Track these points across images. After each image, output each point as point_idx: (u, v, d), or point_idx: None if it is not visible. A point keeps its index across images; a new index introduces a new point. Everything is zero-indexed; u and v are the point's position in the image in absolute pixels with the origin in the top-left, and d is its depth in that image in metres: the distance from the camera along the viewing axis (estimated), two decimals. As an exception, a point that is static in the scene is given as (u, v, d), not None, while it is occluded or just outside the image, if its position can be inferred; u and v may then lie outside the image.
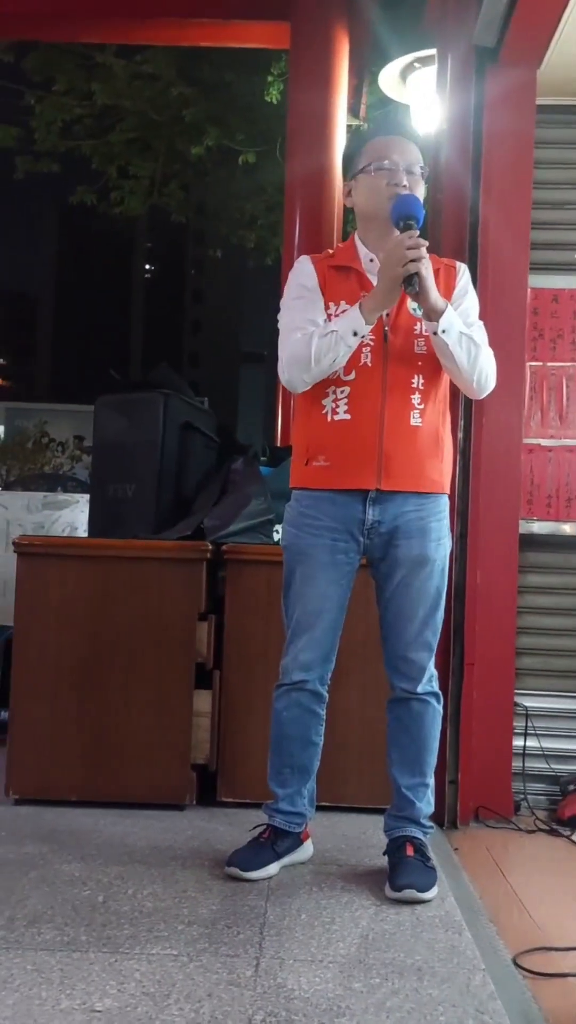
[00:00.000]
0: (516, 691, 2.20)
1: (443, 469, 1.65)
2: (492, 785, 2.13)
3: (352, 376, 1.60)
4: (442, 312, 1.55)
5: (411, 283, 1.51)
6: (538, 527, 2.30)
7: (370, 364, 1.60)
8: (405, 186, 1.60)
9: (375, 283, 1.60)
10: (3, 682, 2.22)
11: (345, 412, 1.60)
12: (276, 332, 1.70)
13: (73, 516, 3.17)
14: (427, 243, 1.53)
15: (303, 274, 1.67)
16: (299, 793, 1.68)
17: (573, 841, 2.01)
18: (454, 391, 1.74)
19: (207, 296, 44.36)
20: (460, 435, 2.11)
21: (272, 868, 1.63)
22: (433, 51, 2.69)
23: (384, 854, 1.66)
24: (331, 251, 1.74)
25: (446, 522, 1.67)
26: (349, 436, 1.60)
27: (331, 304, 1.62)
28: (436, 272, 1.65)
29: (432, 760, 1.68)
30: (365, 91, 4.28)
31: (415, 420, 1.60)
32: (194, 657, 2.04)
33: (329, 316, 1.61)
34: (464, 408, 2.13)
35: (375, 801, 1.93)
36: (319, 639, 1.65)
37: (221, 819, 1.95)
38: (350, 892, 1.58)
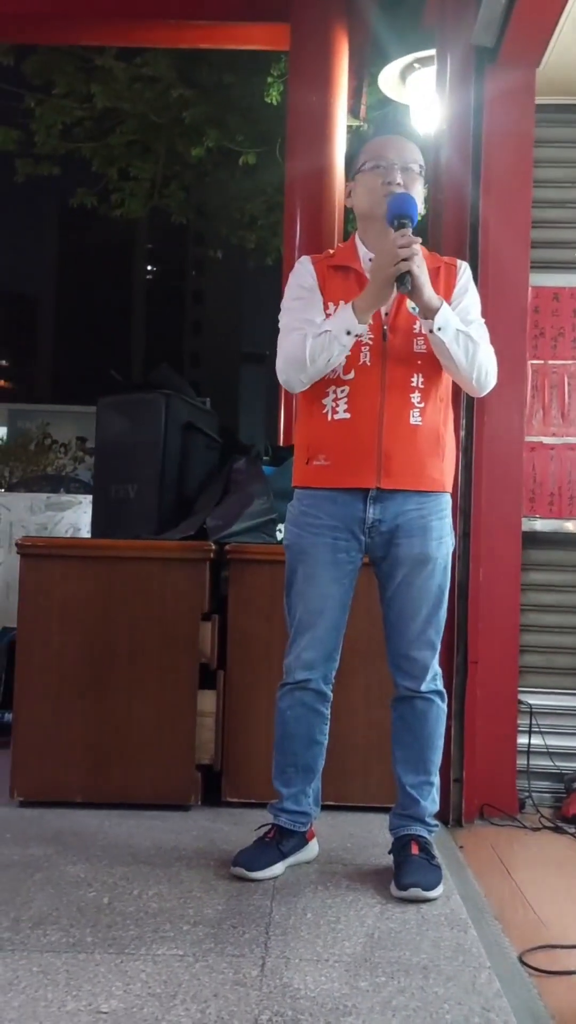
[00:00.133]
0: (520, 689, 2.20)
1: (444, 468, 1.65)
2: (497, 783, 2.13)
3: (352, 375, 1.61)
4: (437, 309, 1.55)
5: (403, 281, 1.52)
6: (541, 525, 2.30)
7: (369, 363, 1.60)
8: (400, 184, 1.60)
9: None
10: (7, 684, 2.22)
11: (345, 411, 1.61)
12: (277, 332, 1.71)
13: (76, 517, 3.18)
14: (419, 240, 1.53)
15: (302, 275, 1.67)
16: (304, 792, 1.68)
17: (578, 839, 2.01)
18: (457, 390, 1.75)
19: (208, 297, 44.39)
20: (462, 434, 2.11)
21: (277, 868, 1.63)
22: (432, 51, 2.70)
23: (389, 853, 1.66)
24: (332, 251, 1.74)
25: (448, 520, 1.67)
26: (349, 435, 1.60)
27: (330, 304, 1.63)
28: (436, 270, 1.65)
29: (437, 759, 1.68)
30: (365, 92, 4.28)
31: (415, 419, 1.60)
32: (198, 657, 2.05)
33: (328, 316, 1.62)
34: (466, 407, 2.13)
35: (380, 800, 1.93)
36: (321, 638, 1.65)
37: (226, 819, 1.95)
38: (355, 891, 1.58)
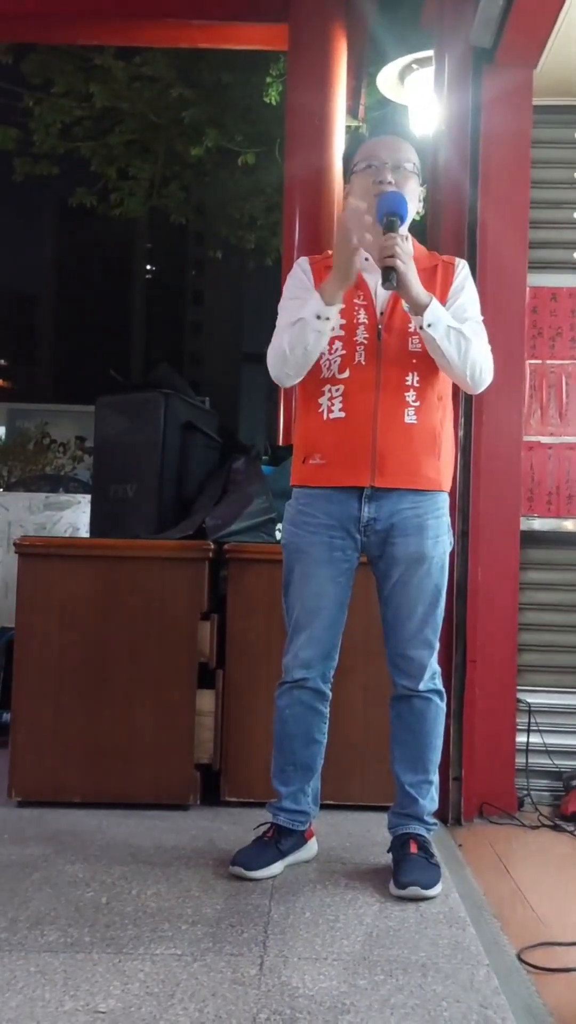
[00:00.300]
0: (518, 687, 2.21)
1: (440, 466, 1.65)
2: (495, 781, 2.13)
3: (347, 374, 1.61)
4: (426, 306, 1.55)
5: (388, 278, 1.52)
6: (539, 524, 2.30)
7: (364, 362, 1.61)
8: (391, 183, 1.60)
9: (368, 281, 1.62)
10: (5, 683, 2.22)
11: (340, 410, 1.61)
12: (275, 333, 1.71)
13: (75, 517, 3.18)
14: (399, 236, 1.53)
15: (299, 275, 1.69)
16: (303, 791, 1.68)
17: (576, 838, 2.01)
18: (458, 389, 1.75)
19: (207, 297, 44.39)
20: (460, 433, 2.12)
21: (276, 867, 1.64)
22: (431, 52, 2.70)
23: (388, 851, 1.67)
24: (330, 252, 1.74)
25: (445, 519, 1.67)
26: (344, 434, 1.61)
27: None
28: (433, 268, 1.65)
29: (435, 757, 1.69)
30: (363, 92, 4.29)
31: (410, 418, 1.60)
32: (197, 657, 2.05)
33: None
34: (464, 406, 2.14)
35: (379, 799, 1.93)
36: (319, 636, 1.65)
37: (225, 819, 1.96)
38: (354, 890, 1.58)
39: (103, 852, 1.73)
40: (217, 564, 2.12)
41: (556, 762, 2.24)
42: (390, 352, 1.61)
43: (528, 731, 2.21)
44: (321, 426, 1.63)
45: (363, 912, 1.49)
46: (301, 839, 1.70)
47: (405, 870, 1.57)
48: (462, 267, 1.69)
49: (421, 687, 1.65)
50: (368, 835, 1.86)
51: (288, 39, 3.64)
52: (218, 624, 2.08)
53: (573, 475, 2.33)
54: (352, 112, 4.09)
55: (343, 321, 1.62)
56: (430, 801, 1.67)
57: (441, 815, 1.95)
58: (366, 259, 1.64)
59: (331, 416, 1.62)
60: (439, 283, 1.64)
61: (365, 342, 1.61)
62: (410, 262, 1.54)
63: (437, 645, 1.68)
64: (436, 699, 1.67)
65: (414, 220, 1.72)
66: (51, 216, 44.28)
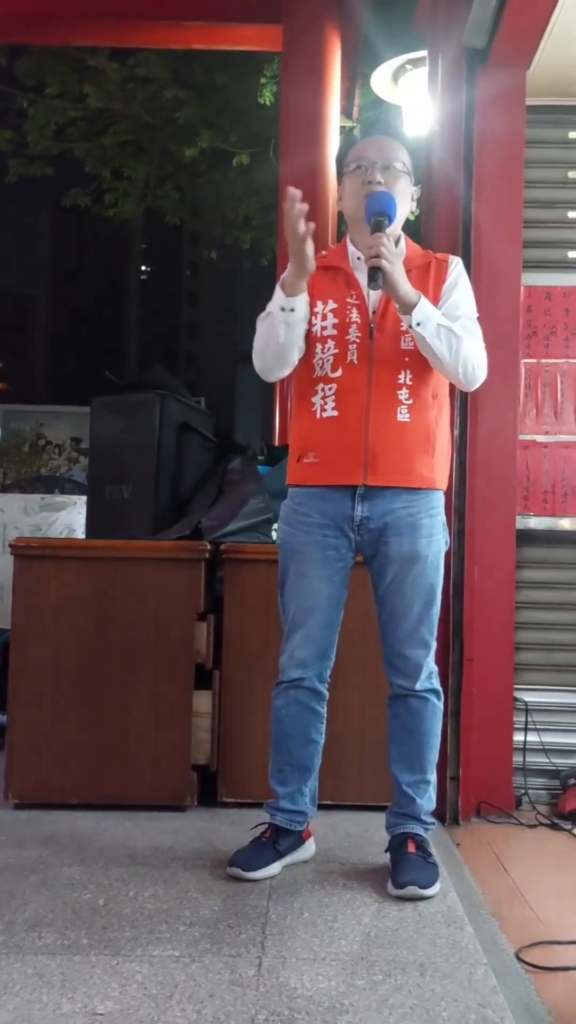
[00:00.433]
0: (515, 686, 2.21)
1: (435, 465, 1.64)
2: (493, 780, 2.13)
3: (339, 373, 1.62)
4: (414, 305, 1.55)
5: (374, 277, 1.53)
6: (535, 523, 2.31)
7: (356, 361, 1.61)
8: (380, 183, 1.61)
9: (361, 280, 1.62)
10: (1, 685, 2.22)
11: (333, 409, 1.62)
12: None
13: (70, 518, 3.17)
14: (385, 236, 1.53)
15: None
16: (300, 791, 1.68)
17: (574, 835, 2.02)
18: (453, 388, 1.75)
19: (203, 297, 44.37)
20: (456, 432, 2.12)
21: (274, 867, 1.63)
22: (424, 53, 2.70)
23: (386, 851, 1.67)
24: (325, 252, 1.75)
25: (439, 518, 1.67)
26: (336, 432, 1.61)
27: (319, 303, 1.65)
28: (427, 266, 1.66)
29: (433, 757, 1.69)
30: (358, 92, 4.29)
31: (402, 416, 1.60)
32: (193, 657, 2.05)
33: (315, 314, 1.64)
34: (460, 405, 2.14)
35: (377, 799, 1.93)
36: (314, 636, 1.65)
37: (222, 819, 1.95)
38: (352, 890, 1.58)
39: (100, 854, 1.73)
40: (213, 565, 2.12)
41: (553, 760, 2.24)
42: (382, 351, 1.61)
43: (525, 730, 2.22)
44: (314, 425, 1.64)
45: (361, 912, 1.49)
46: (299, 839, 1.70)
47: (403, 870, 1.57)
48: (455, 264, 1.69)
49: (418, 687, 1.65)
50: (366, 835, 1.86)
51: (282, 40, 3.64)
52: (215, 625, 2.08)
53: (568, 473, 2.34)
54: (346, 112, 4.09)
55: (336, 320, 1.63)
56: (428, 801, 1.67)
57: (439, 814, 1.95)
58: (359, 258, 1.64)
59: (324, 415, 1.62)
60: (432, 281, 1.65)
61: (357, 341, 1.61)
62: (397, 262, 1.54)
63: (434, 644, 1.68)
64: (433, 699, 1.67)
65: (408, 220, 1.73)
66: (46, 217, 44.22)
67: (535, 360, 2.36)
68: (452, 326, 1.59)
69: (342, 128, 3.83)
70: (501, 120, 2.21)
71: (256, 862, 1.62)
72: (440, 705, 1.69)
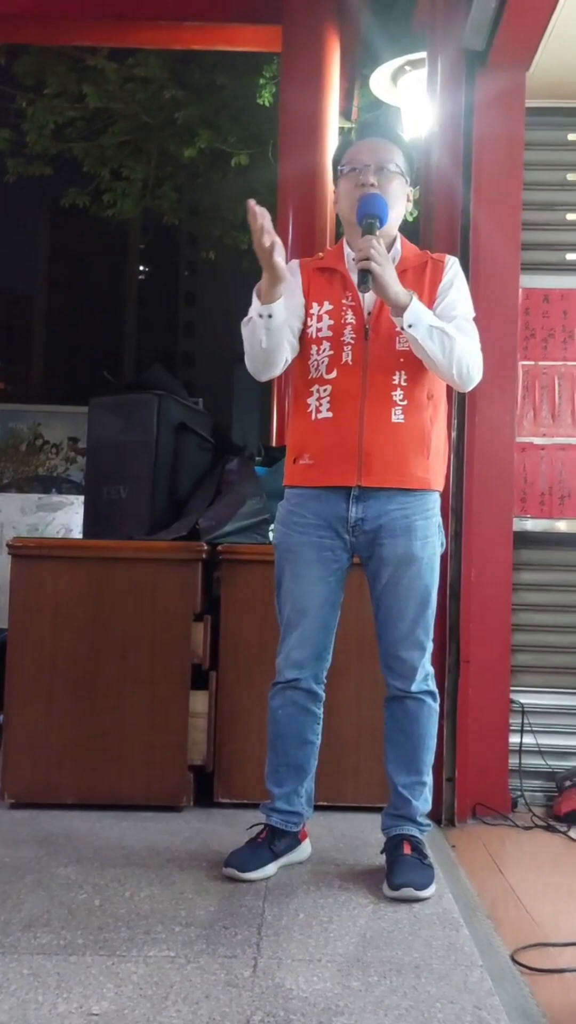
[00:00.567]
0: (512, 688, 2.21)
1: (430, 466, 1.64)
2: (489, 782, 2.14)
3: (334, 375, 1.62)
4: (405, 306, 1.55)
5: (363, 280, 1.53)
6: (532, 525, 2.31)
7: (351, 363, 1.61)
8: (373, 185, 1.61)
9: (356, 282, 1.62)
10: (-2, 685, 2.21)
11: (327, 410, 1.62)
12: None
13: (68, 518, 3.17)
14: (374, 238, 1.53)
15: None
16: (296, 792, 1.68)
17: (570, 837, 2.02)
18: (450, 389, 1.74)
19: (201, 298, 44.37)
20: (453, 434, 2.12)
21: (270, 868, 1.63)
22: (423, 54, 2.71)
23: (381, 853, 1.67)
24: (322, 254, 1.75)
25: (435, 520, 1.67)
26: (331, 434, 1.61)
27: (314, 304, 1.65)
28: (423, 266, 1.66)
29: (429, 758, 1.69)
30: (357, 94, 4.30)
31: (397, 417, 1.60)
32: (190, 658, 2.04)
33: (310, 316, 1.65)
34: (457, 407, 2.14)
35: (372, 800, 1.93)
36: (310, 636, 1.65)
37: (219, 820, 1.95)
38: (348, 891, 1.58)
39: (96, 854, 1.72)
40: (211, 565, 2.12)
41: (549, 763, 2.24)
42: (377, 352, 1.61)
43: (521, 732, 2.22)
44: (310, 427, 1.64)
45: (357, 913, 1.49)
46: (295, 840, 1.70)
47: (399, 871, 1.57)
48: (451, 264, 1.68)
49: (413, 688, 1.65)
50: (362, 836, 1.86)
51: (281, 41, 3.65)
52: (211, 625, 2.08)
53: (566, 476, 2.34)
54: (345, 114, 4.10)
55: (331, 322, 1.63)
56: (423, 802, 1.67)
57: (435, 816, 1.95)
58: (354, 260, 1.64)
59: (319, 417, 1.63)
60: (428, 281, 1.65)
61: (352, 342, 1.61)
62: (386, 263, 1.54)
63: (429, 646, 1.68)
64: (429, 700, 1.67)
65: (406, 220, 1.73)
66: (44, 217, 44.18)
67: (533, 362, 2.36)
68: (445, 327, 1.58)
69: (341, 129, 3.84)
70: (500, 122, 2.21)
71: (252, 863, 1.62)
72: (436, 707, 1.69)
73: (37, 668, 2.05)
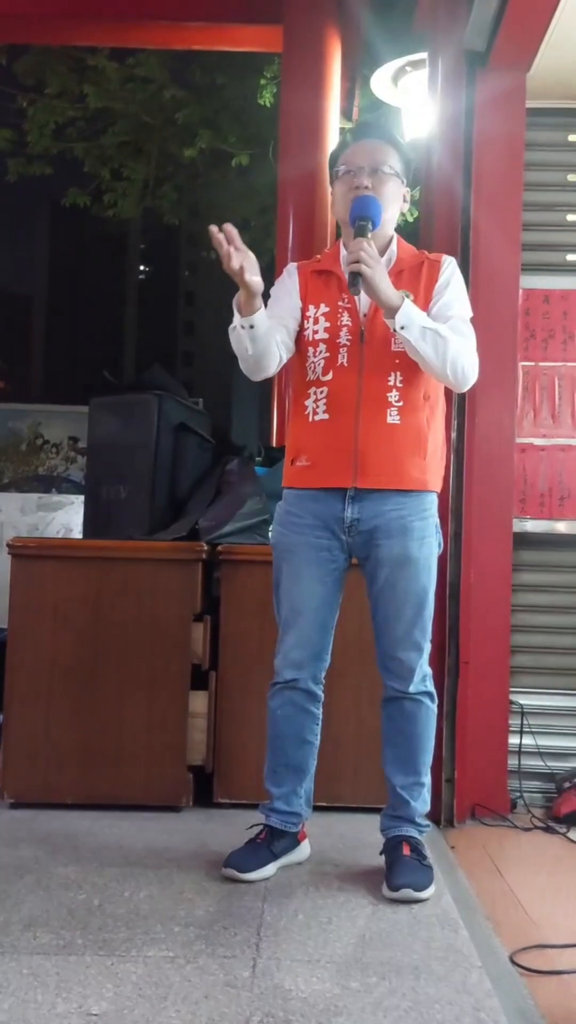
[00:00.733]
0: (511, 689, 2.21)
1: (427, 466, 1.64)
2: (488, 783, 2.14)
3: (330, 376, 1.62)
4: (397, 308, 1.54)
5: (354, 282, 1.53)
6: (531, 526, 2.31)
7: (346, 364, 1.61)
8: (367, 187, 1.61)
9: None
10: (-2, 685, 2.21)
11: (324, 412, 1.62)
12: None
13: (68, 518, 3.17)
14: (365, 241, 1.53)
15: (283, 279, 1.71)
16: (295, 793, 1.68)
17: (569, 838, 2.02)
18: (449, 390, 1.74)
19: (200, 298, 44.37)
20: (453, 435, 2.12)
21: (269, 869, 1.63)
22: (424, 55, 2.71)
23: (380, 854, 1.67)
24: (319, 256, 1.76)
25: (432, 520, 1.66)
26: (327, 435, 1.62)
27: (311, 307, 1.66)
28: (419, 266, 1.66)
29: (427, 759, 1.68)
30: (357, 94, 4.30)
31: (392, 418, 1.60)
32: (190, 658, 2.04)
33: (307, 318, 1.65)
34: (457, 408, 2.14)
35: (371, 801, 1.93)
36: (308, 636, 1.65)
37: (218, 820, 1.95)
38: (347, 892, 1.58)
39: (95, 854, 1.72)
40: (210, 565, 2.12)
41: (548, 764, 2.24)
42: (372, 354, 1.61)
43: (521, 733, 2.22)
44: (307, 428, 1.64)
45: (356, 914, 1.49)
46: (294, 841, 1.69)
47: (398, 872, 1.57)
48: (447, 264, 1.68)
49: (411, 689, 1.65)
50: (360, 837, 1.85)
51: (282, 41, 3.65)
52: (211, 626, 2.08)
53: (566, 477, 2.34)
54: (346, 114, 4.10)
55: (328, 324, 1.63)
56: (422, 803, 1.67)
57: (433, 817, 1.95)
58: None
59: (316, 418, 1.63)
60: (423, 281, 1.64)
61: (348, 344, 1.62)
62: (377, 266, 1.54)
63: (427, 647, 1.67)
64: (427, 701, 1.67)
65: (405, 221, 1.73)
66: (44, 217, 44.17)
67: (533, 363, 2.36)
68: (439, 328, 1.58)
69: (342, 130, 3.83)
70: (501, 122, 2.22)
71: (251, 863, 1.62)
72: (434, 708, 1.69)
73: (37, 668, 2.05)
